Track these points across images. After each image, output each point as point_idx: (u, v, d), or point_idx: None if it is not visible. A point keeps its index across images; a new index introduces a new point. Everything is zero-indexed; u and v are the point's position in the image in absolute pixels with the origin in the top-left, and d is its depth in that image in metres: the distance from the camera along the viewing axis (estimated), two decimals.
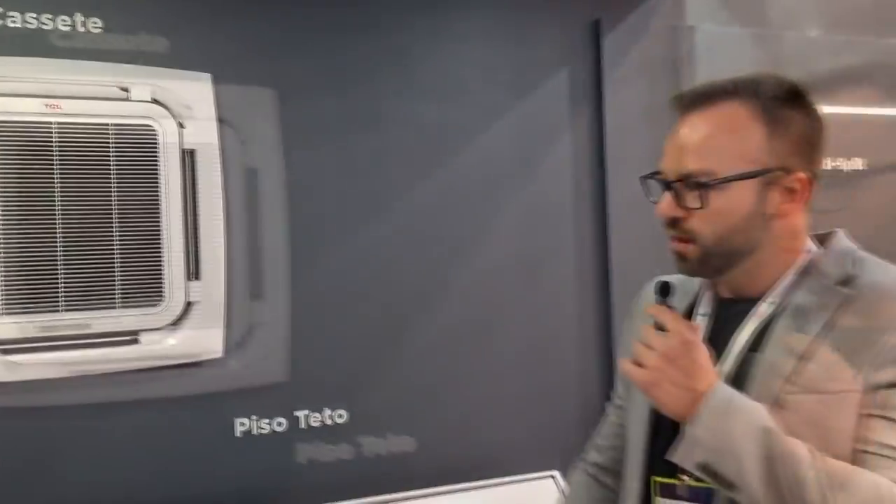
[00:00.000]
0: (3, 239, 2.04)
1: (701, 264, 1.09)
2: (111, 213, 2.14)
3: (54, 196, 2.08)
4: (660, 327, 1.05)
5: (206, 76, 2.28)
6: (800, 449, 0.95)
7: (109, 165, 2.14)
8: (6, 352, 2.06)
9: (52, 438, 2.11)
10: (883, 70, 3.25)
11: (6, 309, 2.04)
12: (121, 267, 2.15)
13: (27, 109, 2.06)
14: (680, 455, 1.00)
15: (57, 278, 2.09)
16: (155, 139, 2.20)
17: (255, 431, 2.31)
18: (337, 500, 2.22)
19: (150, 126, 2.20)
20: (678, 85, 2.86)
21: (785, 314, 1.06)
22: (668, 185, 1.09)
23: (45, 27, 2.11)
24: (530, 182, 2.71)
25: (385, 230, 2.49)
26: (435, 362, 2.53)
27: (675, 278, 1.17)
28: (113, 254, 2.15)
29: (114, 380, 2.17)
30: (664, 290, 1.11)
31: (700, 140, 1.07)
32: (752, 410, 0.97)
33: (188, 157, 2.25)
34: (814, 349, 1.01)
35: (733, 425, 0.95)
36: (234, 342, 2.30)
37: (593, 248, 2.79)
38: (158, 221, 2.19)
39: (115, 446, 2.17)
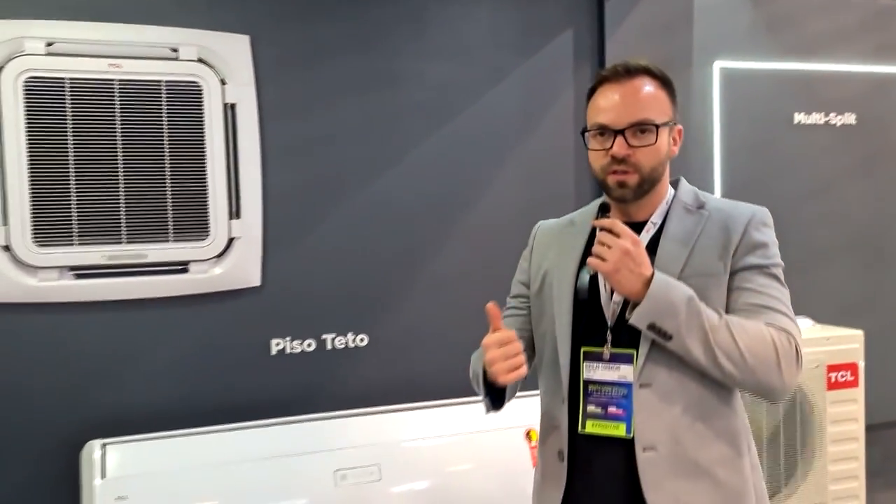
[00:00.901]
0: (76, 181, 2.37)
1: (636, 189, 1.45)
2: (164, 159, 2.46)
3: (117, 144, 2.41)
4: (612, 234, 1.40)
5: (245, 38, 2.57)
6: (710, 309, 1.37)
7: (162, 117, 2.46)
8: (79, 276, 2.41)
9: (115, 351, 2.48)
10: (874, 29, 3.41)
11: (79, 240, 2.38)
12: (173, 205, 2.48)
13: (94, 68, 2.38)
14: (635, 318, 1.36)
15: (119, 214, 2.43)
16: (200, 94, 2.50)
17: (287, 351, 2.66)
18: (357, 408, 2.56)
19: (197, 83, 2.50)
20: (676, 47, 3.10)
21: (667, 230, 1.47)
22: (618, 132, 1.42)
23: None
24: (533, 137, 2.97)
25: (400, 179, 2.79)
26: (443, 297, 2.84)
27: (578, 213, 1.63)
28: (166, 194, 2.47)
29: (166, 303, 2.52)
30: (606, 209, 1.52)
31: (642, 98, 1.44)
32: (680, 286, 1.37)
33: (229, 111, 2.55)
34: (692, 249, 1.44)
35: (671, 296, 1.35)
36: (271, 274, 2.63)
37: (592, 198, 3.05)
38: (204, 166, 2.51)
39: (168, 361, 2.54)
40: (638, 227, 1.48)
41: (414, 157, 2.81)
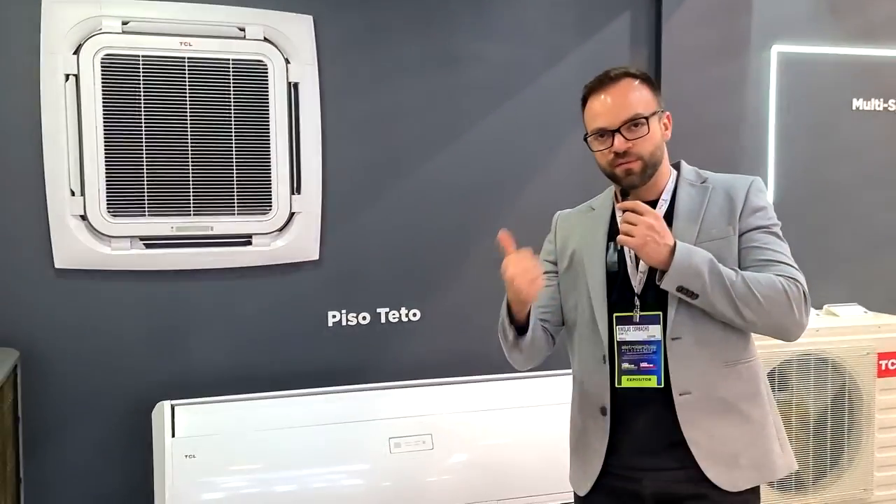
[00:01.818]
0: (147, 155, 2.48)
1: (641, 174, 1.62)
2: (230, 135, 2.56)
3: (186, 119, 2.51)
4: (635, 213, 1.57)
5: (309, 18, 2.64)
6: (726, 268, 1.56)
7: (229, 94, 2.55)
8: (149, 246, 2.53)
9: (182, 318, 2.60)
10: None
11: (150, 211, 2.50)
12: (238, 180, 2.58)
13: (166, 46, 2.48)
14: (665, 283, 1.54)
15: (188, 188, 2.53)
16: (266, 72, 2.59)
17: (343, 323, 2.76)
18: (407, 379, 2.65)
19: (262, 61, 2.58)
20: (734, 31, 3.08)
21: (678, 203, 1.66)
22: (615, 131, 1.60)
23: None
24: None
25: (457, 158, 2.85)
26: (495, 276, 2.88)
27: (594, 200, 1.82)
28: (231, 169, 2.57)
29: (230, 274, 2.63)
30: (625, 193, 1.65)
31: (626, 98, 1.62)
32: (699, 250, 1.56)
33: (293, 89, 2.63)
34: (702, 218, 1.63)
35: (694, 260, 1.53)
36: (329, 249, 2.72)
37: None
38: (268, 143, 2.60)
39: (231, 329, 2.65)
40: (650, 205, 1.63)
41: (471, 136, 2.87)
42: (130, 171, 2.47)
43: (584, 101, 1.70)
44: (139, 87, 2.45)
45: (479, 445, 2.50)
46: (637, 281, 1.64)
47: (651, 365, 1.60)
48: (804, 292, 1.58)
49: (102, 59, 2.42)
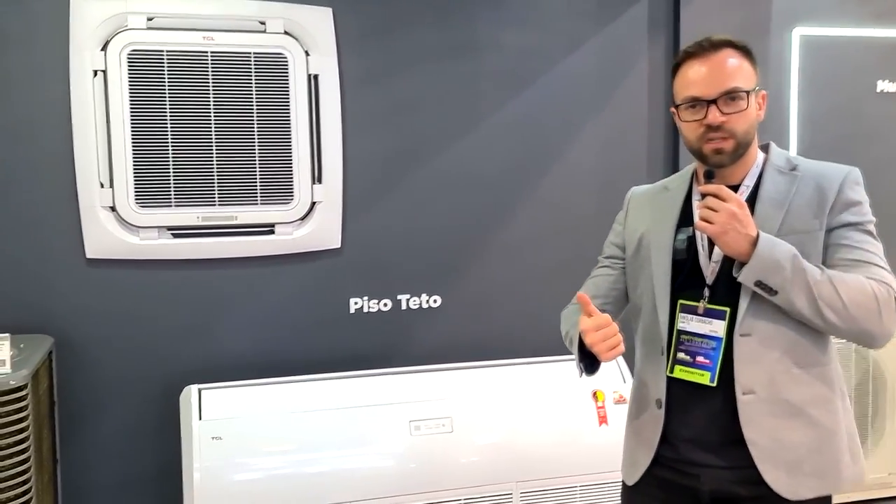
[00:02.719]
0: (173, 147, 2.55)
1: (732, 153, 1.53)
2: (252, 127, 2.62)
3: (210, 112, 2.58)
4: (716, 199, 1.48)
5: (328, 10, 2.69)
6: (812, 265, 1.46)
7: (251, 87, 2.61)
8: (176, 236, 2.61)
9: (208, 305, 2.68)
10: None
11: (177, 202, 2.57)
12: (261, 171, 2.64)
13: (189, 41, 2.54)
14: (744, 276, 1.46)
15: (212, 179, 2.60)
16: (286, 65, 2.64)
17: (365, 310, 2.81)
18: (427, 364, 2.70)
19: (283, 54, 2.64)
20: (754, 14, 3.06)
21: (762, 191, 1.55)
22: (710, 102, 1.50)
23: None
24: (607, 105, 3.01)
25: (476, 146, 2.88)
26: (514, 262, 2.94)
27: (670, 179, 1.71)
28: (254, 160, 2.63)
29: (254, 262, 2.70)
30: (710, 175, 1.55)
31: (729, 68, 1.53)
32: (783, 244, 1.46)
33: (313, 81, 2.69)
34: (787, 209, 1.52)
35: (776, 254, 1.44)
36: (350, 237, 2.78)
37: (663, 166, 3.08)
38: (289, 134, 2.66)
39: (255, 316, 2.72)
40: (732, 190, 1.54)
41: (490, 124, 2.90)
42: (157, 164, 2.55)
43: (677, 67, 1.58)
44: (164, 82, 2.53)
45: (499, 428, 2.54)
46: (709, 271, 1.55)
47: (707, 361, 1.53)
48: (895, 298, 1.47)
49: (129, 54, 2.49)
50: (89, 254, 2.55)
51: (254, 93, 2.61)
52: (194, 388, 2.44)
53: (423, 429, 2.48)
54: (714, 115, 1.49)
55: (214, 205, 2.61)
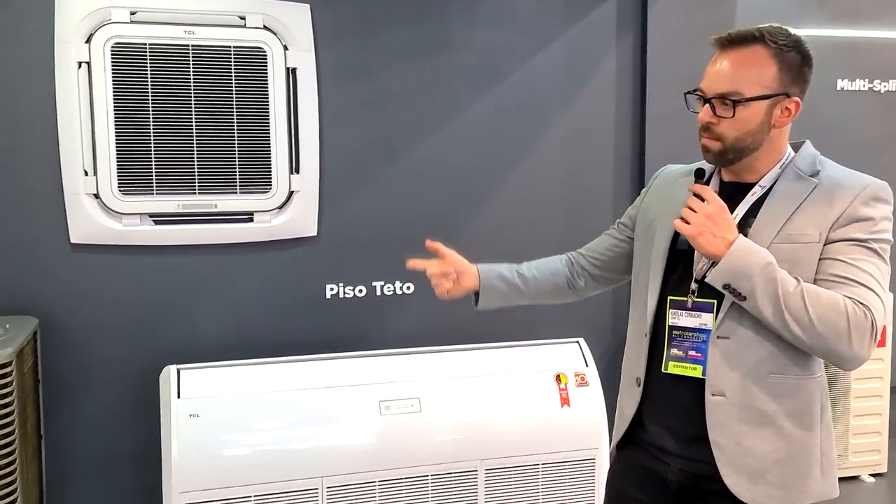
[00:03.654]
0: (155, 137, 2.65)
1: (719, 156, 1.51)
2: (232, 118, 2.72)
3: (191, 104, 2.68)
4: (699, 198, 1.48)
5: (306, 6, 2.79)
6: (789, 277, 1.41)
7: (231, 79, 2.71)
8: (158, 222, 2.71)
9: (189, 290, 2.78)
10: None
11: (158, 190, 2.67)
12: (240, 160, 2.74)
13: (171, 34, 2.64)
14: (711, 277, 1.44)
15: (193, 168, 2.70)
16: (265, 59, 2.74)
17: (341, 295, 2.92)
18: (402, 347, 2.81)
19: (262, 48, 2.74)
20: (719, 15, 3.18)
21: (772, 194, 1.50)
22: (706, 100, 1.49)
23: None
24: (575, 102, 3.13)
25: (448, 140, 2.99)
26: (483, 252, 3.00)
27: (686, 167, 1.67)
28: (234, 150, 2.73)
29: (233, 249, 2.80)
30: (700, 174, 1.55)
31: (733, 69, 1.47)
32: (761, 251, 1.42)
33: (291, 74, 2.79)
34: (791, 216, 1.47)
35: (750, 260, 1.40)
36: (326, 225, 2.88)
37: (630, 161, 3.20)
38: (268, 125, 2.76)
39: (234, 300, 2.83)
40: (748, 188, 1.54)
41: (462, 119, 3.01)
42: (139, 153, 2.64)
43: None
44: (146, 74, 2.62)
45: (466, 409, 2.65)
46: (699, 266, 1.52)
47: (699, 354, 1.51)
48: (873, 322, 1.39)
49: (112, 47, 2.59)
50: (74, 239, 2.65)
51: (233, 85, 2.71)
52: (173, 368, 2.54)
53: (392, 408, 2.59)
54: (704, 114, 1.49)
55: (195, 193, 2.71)
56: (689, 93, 1.54)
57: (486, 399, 2.67)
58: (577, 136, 3.14)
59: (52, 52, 2.55)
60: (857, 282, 1.40)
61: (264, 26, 2.74)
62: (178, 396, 2.47)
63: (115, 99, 2.60)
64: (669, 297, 1.55)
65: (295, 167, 2.82)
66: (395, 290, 2.97)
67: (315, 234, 2.87)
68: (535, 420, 2.68)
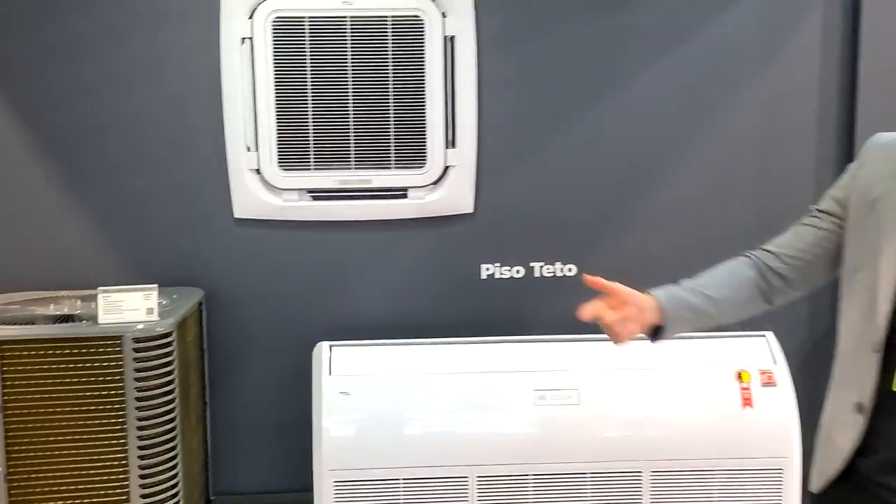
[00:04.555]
0: (314, 111, 2.63)
1: None
2: (388, 90, 2.64)
3: (348, 76, 2.62)
4: None
5: None
6: None
7: (387, 50, 2.62)
8: (315, 198, 2.70)
9: (342, 266, 2.75)
10: None
11: (316, 165, 2.65)
12: (395, 134, 2.66)
13: (329, 6, 2.59)
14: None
15: (349, 143, 2.65)
16: (422, 27, 2.62)
17: (496, 276, 2.76)
18: (561, 334, 2.59)
19: (419, 17, 2.62)
20: None
21: None
22: None
23: None
24: (772, 64, 2.74)
25: (621, 107, 2.73)
26: (659, 232, 2.76)
27: None
28: (389, 124, 2.65)
29: (387, 226, 2.73)
30: None
31: None
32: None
33: (449, 43, 2.65)
34: None
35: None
36: (483, 202, 2.73)
37: (836, 132, 2.76)
38: (424, 97, 2.65)
39: (388, 278, 2.76)
40: None
41: (636, 86, 2.73)
42: (298, 128, 2.63)
43: None
44: (305, 47, 2.60)
45: (630, 404, 2.42)
46: None
47: None
48: None
49: (273, 21, 2.59)
50: (237, 214, 2.69)
51: (390, 56, 2.63)
52: (325, 344, 2.52)
53: (548, 399, 2.40)
54: None
55: (351, 168, 2.67)
56: None
57: (654, 395, 2.41)
58: (773, 103, 2.75)
59: (217, 28, 2.59)
60: None
61: None
62: (330, 373, 2.44)
63: (275, 74, 2.60)
64: None
65: (451, 141, 2.69)
66: (555, 272, 2.76)
67: (471, 210, 2.73)
68: (710, 421, 2.38)
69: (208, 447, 2.74)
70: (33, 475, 2.18)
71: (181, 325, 2.33)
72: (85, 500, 2.20)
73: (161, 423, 2.22)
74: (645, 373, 2.44)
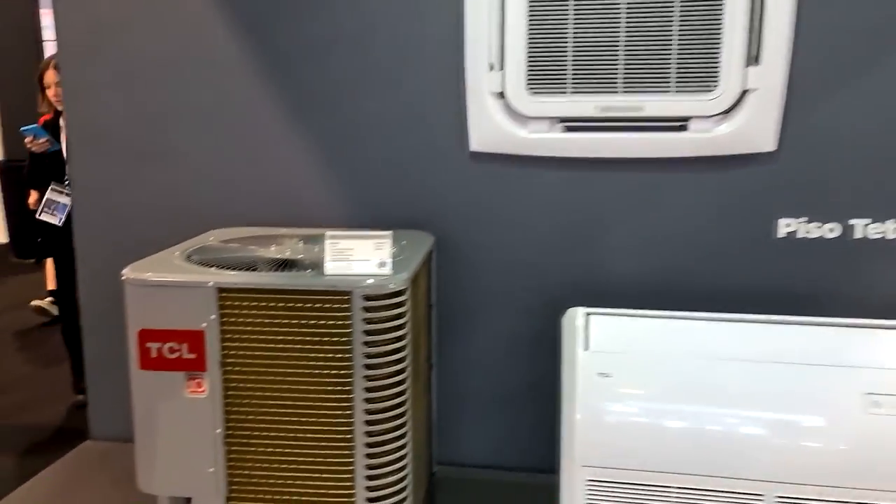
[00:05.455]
0: (576, 22, 2.11)
1: None
2: None
3: None
4: None
5: None
6: None
7: None
8: (569, 129, 2.20)
9: (602, 214, 2.26)
10: None
11: (573, 88, 2.14)
12: (678, 50, 2.08)
13: None
14: None
15: (617, 61, 2.11)
16: None
17: (799, 235, 2.15)
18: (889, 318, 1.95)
19: None
20: None
21: None
22: None
23: None
24: None
25: None
26: None
27: None
28: (671, 37, 2.08)
29: (659, 165, 2.19)
30: None
31: None
32: None
33: None
34: None
35: None
36: (791, 138, 2.10)
37: None
38: (721, 1, 2.03)
39: (656, 231, 2.23)
40: None
41: None
42: (554, 43, 2.13)
43: None
44: None
45: None
46: None
47: None
48: None
49: None
50: (473, 146, 2.27)
51: None
52: (581, 311, 2.05)
53: (884, 406, 1.79)
54: None
55: (617, 92, 2.13)
56: None
57: None
58: None
59: None
60: None
61: None
62: (587, 348, 1.98)
63: None
64: None
65: (754, 56, 2.06)
66: (884, 233, 2.09)
67: (773, 149, 2.11)
68: None
69: (433, 414, 2.41)
70: (253, 437, 1.94)
71: (414, 280, 1.97)
72: (305, 468, 1.94)
73: (390, 385, 1.89)
74: None
